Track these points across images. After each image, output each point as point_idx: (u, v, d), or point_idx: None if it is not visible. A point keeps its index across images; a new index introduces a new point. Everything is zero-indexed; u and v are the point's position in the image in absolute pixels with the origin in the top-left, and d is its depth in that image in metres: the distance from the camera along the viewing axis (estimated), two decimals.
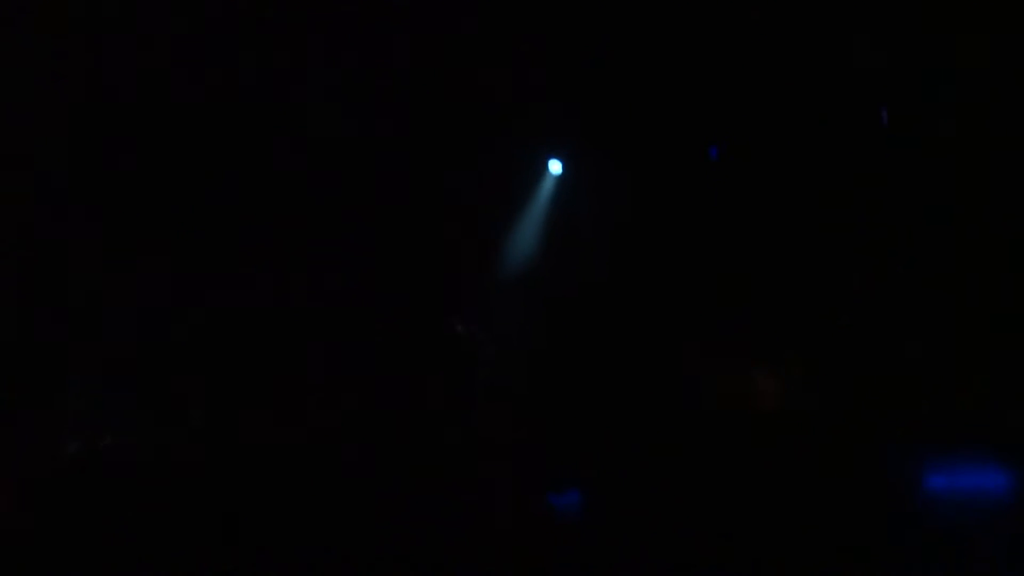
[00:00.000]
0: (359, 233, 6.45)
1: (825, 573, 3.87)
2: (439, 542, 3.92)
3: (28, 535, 3.82)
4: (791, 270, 6.27)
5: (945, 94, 5.58)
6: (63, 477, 4.22)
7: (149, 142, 5.75)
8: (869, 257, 6.10)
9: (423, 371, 5.46)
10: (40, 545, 3.75)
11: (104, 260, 5.61)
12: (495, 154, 6.58)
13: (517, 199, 6.82)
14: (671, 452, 5.03)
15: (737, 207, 6.42)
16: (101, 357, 5.47)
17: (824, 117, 6.06)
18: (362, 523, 4.05)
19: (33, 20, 4.89)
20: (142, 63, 5.40)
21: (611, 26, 5.70)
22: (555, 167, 6.71)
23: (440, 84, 6.01)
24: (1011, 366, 5.32)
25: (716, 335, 6.21)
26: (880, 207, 6.08)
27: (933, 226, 5.83)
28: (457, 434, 5.04)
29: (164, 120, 5.74)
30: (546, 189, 6.77)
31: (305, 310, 6.21)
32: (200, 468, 4.37)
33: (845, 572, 3.89)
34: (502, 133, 6.41)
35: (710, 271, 6.43)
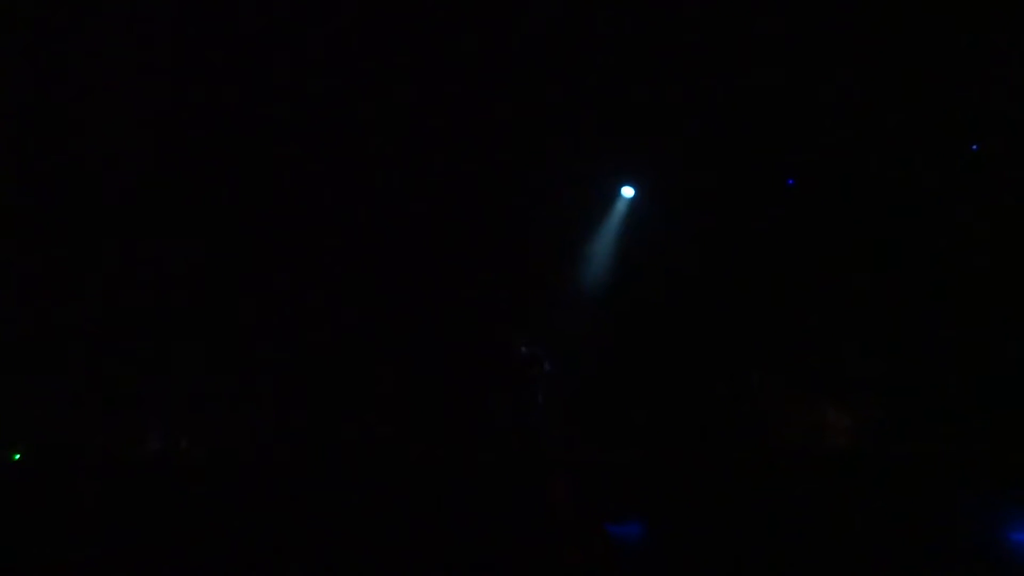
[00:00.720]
0: (430, 253, 6.58)
1: None
2: (496, 558, 3.95)
3: (110, 517, 4.06)
4: (868, 307, 6.08)
5: None
6: (145, 470, 4.48)
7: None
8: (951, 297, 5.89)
9: (487, 389, 5.52)
10: (120, 525, 3.98)
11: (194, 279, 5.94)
12: (568, 177, 6.62)
13: (589, 222, 6.83)
14: (738, 486, 4.91)
15: (812, 240, 6.28)
16: (191, 366, 5.75)
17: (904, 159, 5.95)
18: (422, 534, 4.12)
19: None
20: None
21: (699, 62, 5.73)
22: (628, 192, 6.72)
23: (518, 105, 6.10)
24: None
25: (788, 368, 6.06)
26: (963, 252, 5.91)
27: None
28: (519, 453, 5.06)
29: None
30: (618, 213, 6.77)
31: (377, 327, 6.37)
32: (269, 475, 4.54)
33: None
34: (577, 156, 6.45)
35: (783, 303, 6.29)
